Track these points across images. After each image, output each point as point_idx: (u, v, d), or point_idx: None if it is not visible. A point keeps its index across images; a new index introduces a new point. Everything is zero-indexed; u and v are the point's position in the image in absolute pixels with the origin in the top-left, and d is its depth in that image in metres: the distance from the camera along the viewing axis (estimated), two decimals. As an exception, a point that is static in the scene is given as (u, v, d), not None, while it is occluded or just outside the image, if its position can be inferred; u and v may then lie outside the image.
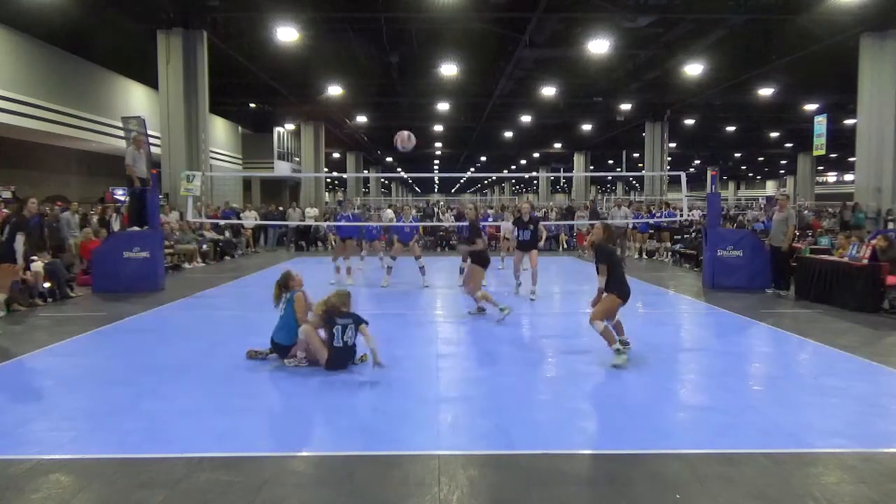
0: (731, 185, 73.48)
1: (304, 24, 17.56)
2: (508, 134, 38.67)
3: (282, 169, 34.20)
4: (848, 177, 53.78)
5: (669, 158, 33.24)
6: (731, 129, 36.81)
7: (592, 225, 10.06)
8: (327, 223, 19.48)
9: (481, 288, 8.77)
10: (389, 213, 20.33)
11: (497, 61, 21.96)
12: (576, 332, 7.73)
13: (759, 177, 72.23)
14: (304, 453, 4.16)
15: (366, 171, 50.90)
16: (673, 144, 37.51)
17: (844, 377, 5.84)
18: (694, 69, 20.95)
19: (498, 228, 14.05)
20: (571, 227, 20.46)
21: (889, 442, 4.31)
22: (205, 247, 16.18)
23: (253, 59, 20.52)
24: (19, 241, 8.33)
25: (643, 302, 10.18)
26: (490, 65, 22.45)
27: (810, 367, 6.57)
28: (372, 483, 3.68)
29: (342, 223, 12.61)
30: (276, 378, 5.82)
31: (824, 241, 12.50)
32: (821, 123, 18.03)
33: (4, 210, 12.41)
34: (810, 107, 27.40)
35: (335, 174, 51.55)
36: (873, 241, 9.31)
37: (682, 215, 15.94)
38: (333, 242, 12.75)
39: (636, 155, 43.01)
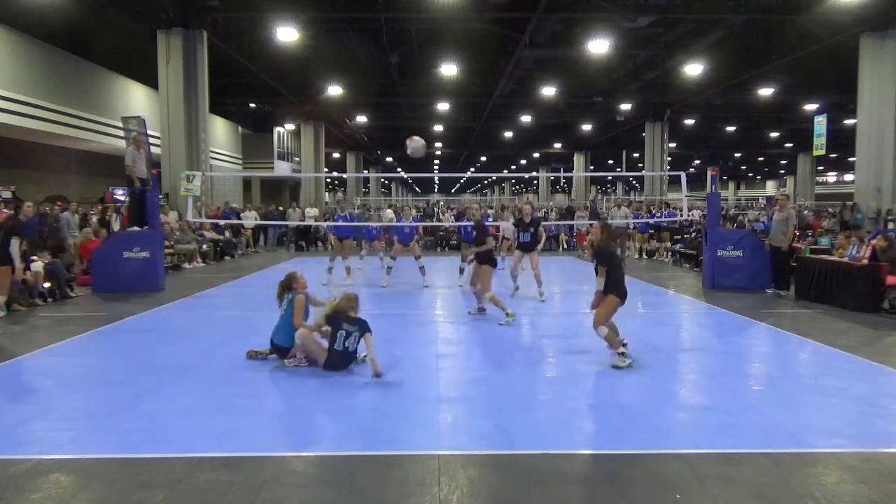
0: (731, 185, 73.46)
1: (304, 24, 17.55)
2: (508, 134, 38.63)
3: (282, 169, 34.19)
4: (848, 177, 53.75)
5: (669, 158, 33.21)
6: (731, 129, 36.77)
7: (592, 225, 10.03)
8: (326, 223, 19.47)
9: (491, 289, 8.54)
10: (389, 213, 20.32)
11: (497, 61, 21.95)
12: (576, 332, 7.73)
13: (759, 177, 72.21)
14: (304, 453, 4.15)
15: (366, 171, 50.87)
16: (673, 144, 37.48)
17: (844, 377, 5.84)
18: (694, 69, 20.93)
19: (498, 228, 14.03)
20: (571, 227, 20.48)
21: (889, 442, 4.31)
22: (205, 247, 16.20)
23: (253, 59, 20.52)
24: (14, 246, 8.38)
25: (643, 302, 10.18)
26: (490, 65, 22.43)
27: (810, 367, 6.57)
28: (372, 483, 3.68)
29: (339, 223, 12.58)
30: (276, 378, 5.82)
31: (824, 241, 12.51)
32: (821, 123, 18.05)
33: (4, 210, 12.41)
34: (810, 107, 27.38)
35: (335, 174, 51.53)
36: (873, 241, 9.32)
37: (682, 215, 15.95)
38: (332, 243, 12.76)
39: (636, 155, 42.97)
